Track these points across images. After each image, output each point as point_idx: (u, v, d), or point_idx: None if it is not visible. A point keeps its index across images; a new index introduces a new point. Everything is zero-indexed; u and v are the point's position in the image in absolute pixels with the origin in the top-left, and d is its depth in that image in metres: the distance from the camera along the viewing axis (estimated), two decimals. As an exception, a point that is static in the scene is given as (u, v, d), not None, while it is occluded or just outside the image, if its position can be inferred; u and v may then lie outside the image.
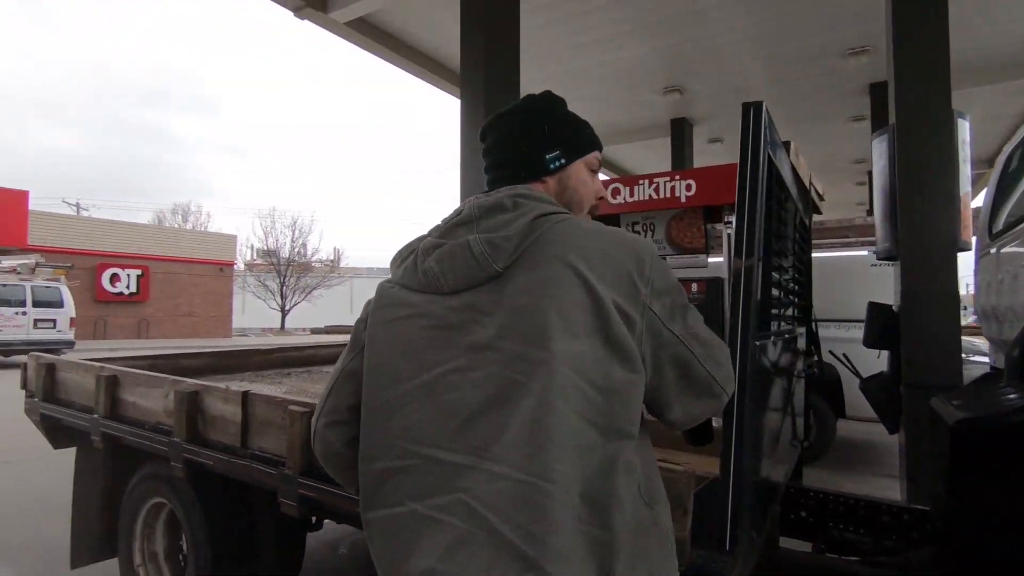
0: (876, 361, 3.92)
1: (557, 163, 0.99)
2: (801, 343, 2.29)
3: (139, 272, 19.70)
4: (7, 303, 11.68)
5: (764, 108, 1.33)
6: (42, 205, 25.31)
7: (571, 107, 1.05)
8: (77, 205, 31.88)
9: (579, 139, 1.03)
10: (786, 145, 1.82)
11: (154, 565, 2.37)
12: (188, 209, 45.06)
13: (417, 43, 7.15)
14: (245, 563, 2.07)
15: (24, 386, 2.74)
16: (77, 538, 2.53)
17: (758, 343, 1.30)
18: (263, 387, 2.64)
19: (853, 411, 5.00)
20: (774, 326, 1.95)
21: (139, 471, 2.32)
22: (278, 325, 30.10)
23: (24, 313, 11.88)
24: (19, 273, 12.12)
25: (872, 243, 4.36)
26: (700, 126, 9.88)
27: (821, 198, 2.52)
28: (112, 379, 2.26)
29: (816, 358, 2.21)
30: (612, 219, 7.97)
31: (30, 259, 12.47)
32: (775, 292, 2.04)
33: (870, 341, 3.54)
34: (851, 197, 14.36)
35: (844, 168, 11.99)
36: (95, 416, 2.27)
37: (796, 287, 2.17)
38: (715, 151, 10.71)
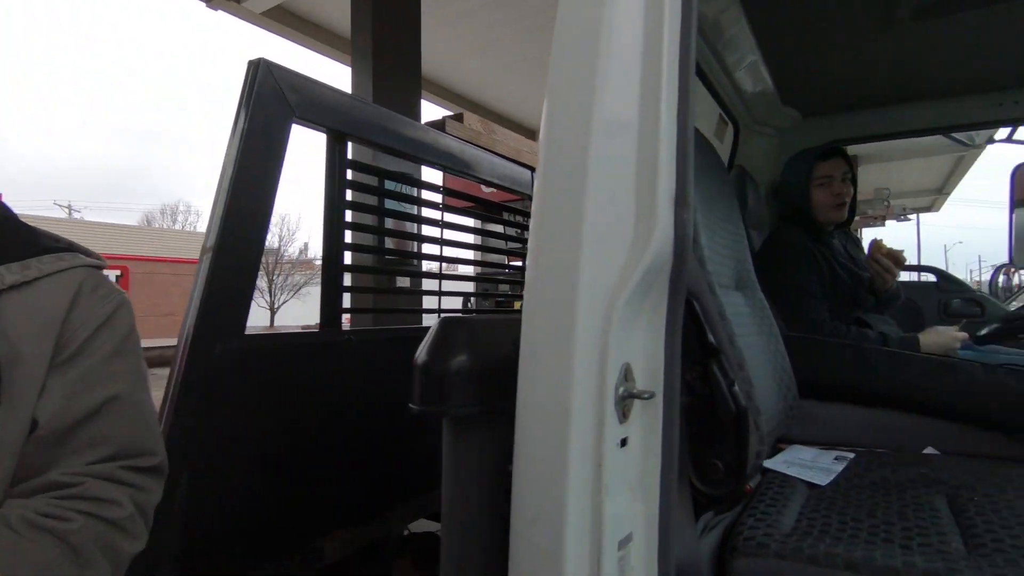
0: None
1: None
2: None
3: (118, 272, 19.72)
4: None
5: (264, 67, 1.09)
6: (35, 208, 25.64)
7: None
8: (69, 207, 32.08)
9: None
10: (439, 123, 1.57)
11: None
12: (177, 209, 44.48)
13: (334, 27, 6.81)
14: None
15: None
16: None
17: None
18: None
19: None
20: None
21: None
22: (267, 323, 30.12)
23: None
24: None
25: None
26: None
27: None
28: None
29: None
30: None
31: None
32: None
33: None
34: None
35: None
36: None
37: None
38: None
